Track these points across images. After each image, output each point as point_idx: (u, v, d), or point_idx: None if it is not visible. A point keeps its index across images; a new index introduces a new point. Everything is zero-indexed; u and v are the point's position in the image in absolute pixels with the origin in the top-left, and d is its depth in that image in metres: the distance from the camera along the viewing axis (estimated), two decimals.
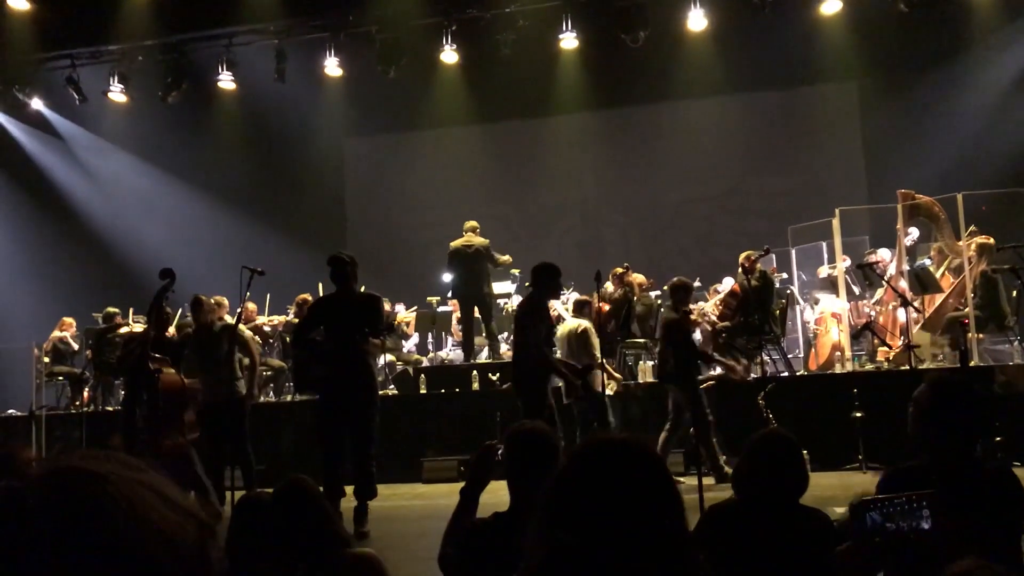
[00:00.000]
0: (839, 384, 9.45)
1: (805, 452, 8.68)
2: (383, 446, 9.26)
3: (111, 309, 11.59)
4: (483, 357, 11.64)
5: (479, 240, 11.15)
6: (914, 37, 13.07)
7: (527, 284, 12.59)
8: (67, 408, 11.67)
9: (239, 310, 7.32)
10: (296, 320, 11.64)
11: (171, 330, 9.32)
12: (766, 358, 9.76)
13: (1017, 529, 2.68)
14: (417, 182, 16.46)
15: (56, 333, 12.36)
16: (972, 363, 8.77)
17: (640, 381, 10.25)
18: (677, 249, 15.16)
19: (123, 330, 10.92)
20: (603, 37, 12.97)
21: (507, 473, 2.96)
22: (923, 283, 10.13)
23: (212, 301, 8.56)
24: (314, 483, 3.14)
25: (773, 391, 8.81)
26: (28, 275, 14.87)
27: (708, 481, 6.05)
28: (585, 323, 8.76)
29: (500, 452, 3.01)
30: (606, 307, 10.60)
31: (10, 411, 11.98)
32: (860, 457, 8.57)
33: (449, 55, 13.19)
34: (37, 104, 14.92)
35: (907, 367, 9.05)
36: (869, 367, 10.16)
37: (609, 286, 10.97)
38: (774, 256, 11.26)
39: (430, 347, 13.57)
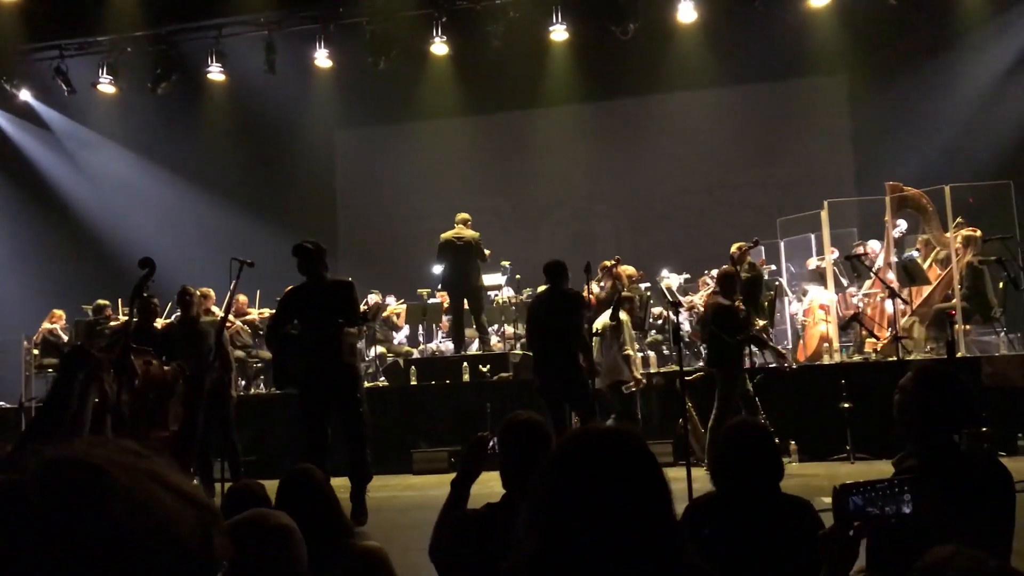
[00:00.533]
0: (827, 375, 9.51)
1: (792, 443, 8.78)
2: (374, 438, 9.30)
3: (101, 301, 11.55)
4: (473, 349, 11.66)
5: (470, 232, 11.16)
6: (902, 30, 13.12)
7: (517, 276, 12.68)
8: None
9: (227, 302, 7.31)
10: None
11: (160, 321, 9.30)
12: (754, 349, 9.79)
13: (1007, 517, 2.72)
14: (407, 174, 16.44)
15: (46, 325, 12.33)
16: (959, 354, 8.84)
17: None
18: (667, 241, 15.19)
19: (112, 322, 10.90)
20: (593, 29, 12.98)
21: (501, 464, 2.99)
22: (911, 275, 10.19)
23: (198, 293, 8.55)
24: (321, 473, 3.13)
25: (761, 382, 8.88)
26: (18, 267, 14.82)
27: (697, 472, 6.08)
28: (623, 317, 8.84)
29: (493, 444, 3.03)
30: (595, 300, 10.62)
31: (0, 403, 11.95)
32: (848, 447, 8.63)
33: (439, 47, 13.17)
34: (25, 95, 14.84)
35: (895, 358, 9.13)
36: (857, 358, 10.23)
37: (595, 287, 10.96)
38: (763, 248, 11.32)
39: (421, 339, 13.58)
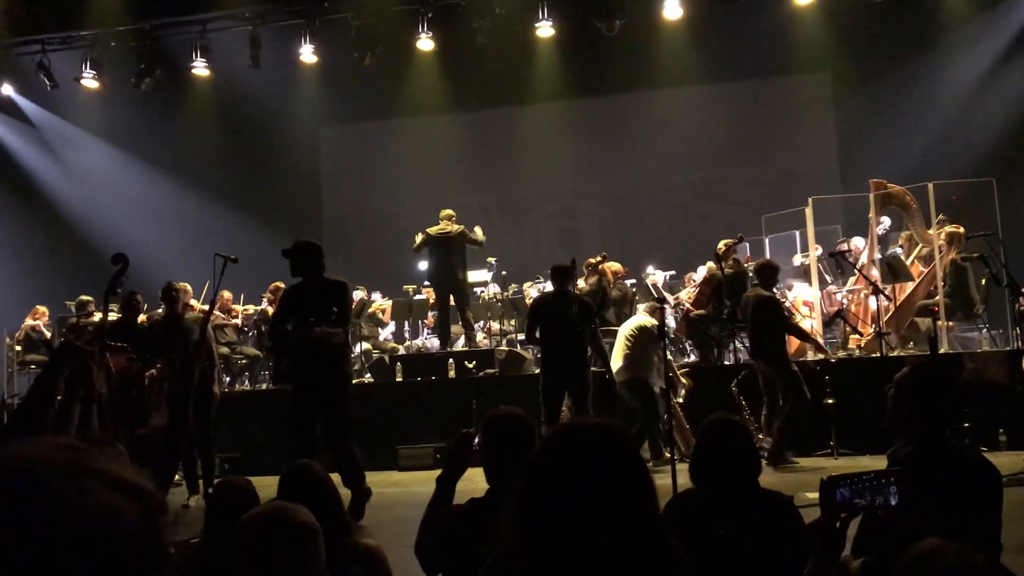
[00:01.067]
0: (811, 371, 9.55)
1: None
2: (359, 434, 9.28)
3: (84, 297, 11.48)
4: (459, 345, 11.66)
5: (455, 228, 11.15)
6: (887, 28, 13.18)
7: (503, 272, 12.68)
8: None
9: (211, 298, 7.29)
10: (271, 308, 11.62)
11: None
12: (739, 346, 9.84)
13: (994, 512, 2.76)
14: (393, 170, 16.42)
15: (29, 321, 12.25)
16: (941, 350, 8.90)
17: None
18: (653, 237, 15.22)
19: (93, 319, 10.85)
20: (579, 26, 12.98)
21: (484, 459, 2.99)
22: (894, 271, 10.26)
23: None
24: (323, 468, 3.12)
25: (745, 378, 8.91)
26: (0, 263, 14.71)
27: (682, 466, 6.09)
28: (654, 321, 8.81)
29: (477, 440, 3.03)
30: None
31: None
32: (832, 443, 8.68)
33: (425, 42, 13.14)
34: (7, 90, 14.70)
35: (878, 354, 9.19)
36: (841, 354, 10.27)
37: (581, 283, 10.98)
38: (748, 244, 11.35)
39: (406, 335, 13.57)
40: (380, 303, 13.27)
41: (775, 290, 11.96)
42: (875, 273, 10.18)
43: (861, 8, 12.53)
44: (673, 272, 12.77)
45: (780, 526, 2.76)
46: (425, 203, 14.29)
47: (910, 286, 10.31)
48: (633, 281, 12.01)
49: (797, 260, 11.77)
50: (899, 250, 10.80)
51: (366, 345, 12.36)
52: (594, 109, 16.15)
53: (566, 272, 7.84)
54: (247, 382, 11.82)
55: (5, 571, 0.79)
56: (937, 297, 9.83)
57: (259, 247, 13.31)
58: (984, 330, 10.16)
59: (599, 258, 10.82)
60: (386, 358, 11.44)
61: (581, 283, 10.84)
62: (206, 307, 8.86)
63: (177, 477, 7.96)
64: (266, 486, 3.30)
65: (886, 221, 10.94)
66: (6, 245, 15.03)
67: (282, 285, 11.80)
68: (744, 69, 14.54)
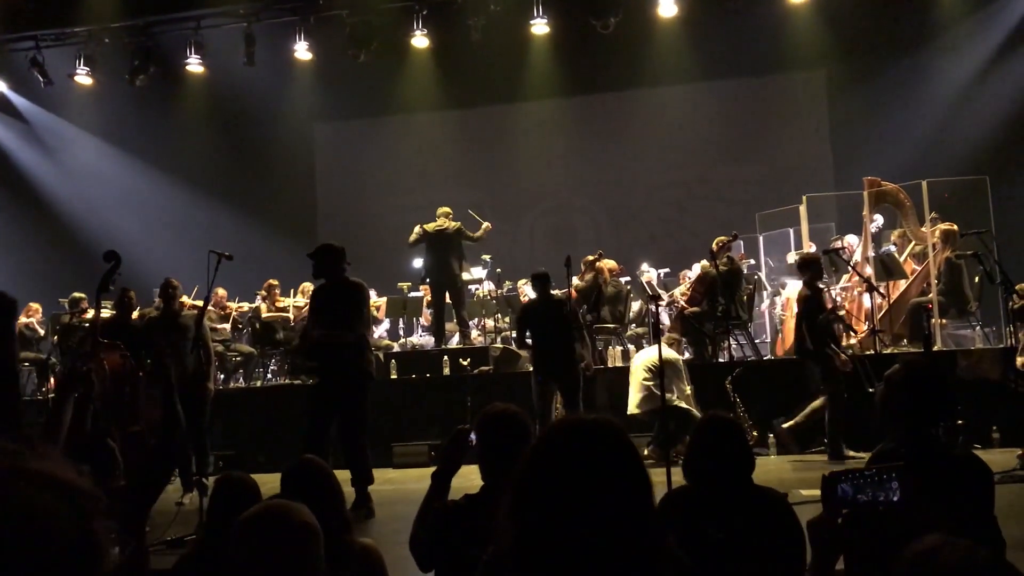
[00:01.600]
0: (805, 369, 9.57)
1: (771, 436, 8.83)
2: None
3: (77, 294, 11.45)
4: (454, 343, 11.65)
5: (452, 225, 11.14)
6: (881, 26, 13.22)
7: (498, 270, 12.68)
8: (33, 394, 11.54)
9: (207, 295, 7.28)
10: (264, 305, 11.63)
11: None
12: (733, 343, 9.86)
13: (988, 511, 2.76)
14: (387, 167, 16.39)
15: (22, 319, 12.19)
16: (935, 348, 8.92)
17: (609, 366, 10.34)
18: (647, 235, 15.24)
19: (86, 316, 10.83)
20: (574, 23, 12.98)
21: (479, 455, 2.99)
22: (888, 269, 10.28)
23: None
24: (326, 465, 3.12)
25: (740, 376, 8.92)
26: None
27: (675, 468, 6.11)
28: (677, 355, 8.85)
29: (472, 437, 3.03)
30: (576, 294, 10.65)
31: None
32: (826, 440, 8.69)
33: (420, 40, 13.13)
34: (1, 86, 14.66)
35: (872, 352, 9.20)
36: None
37: (575, 280, 10.98)
38: (742, 242, 11.37)
39: (401, 332, 13.56)
40: (374, 300, 13.24)
41: (771, 285, 12.07)
42: (869, 271, 10.20)
43: (855, 6, 12.56)
44: (667, 269, 12.78)
45: (774, 523, 2.77)
46: (419, 200, 14.30)
47: (904, 284, 10.33)
48: (628, 279, 12.02)
49: (791, 258, 11.78)
50: (893, 248, 10.83)
51: None
52: (589, 106, 16.15)
53: (546, 278, 8.36)
54: (241, 379, 11.80)
55: None
56: (931, 295, 9.85)
57: (253, 244, 13.35)
58: (978, 328, 10.19)
59: (596, 255, 10.85)
60: (380, 355, 11.42)
61: (576, 280, 10.86)
62: (200, 304, 8.85)
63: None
64: (261, 483, 3.29)
65: (879, 219, 10.96)
66: None
67: (275, 282, 11.83)
68: (738, 67, 14.55)
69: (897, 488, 1.84)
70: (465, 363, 10.45)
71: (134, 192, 15.46)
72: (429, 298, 12.15)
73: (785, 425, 8.79)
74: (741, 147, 15.47)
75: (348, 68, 13.78)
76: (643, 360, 8.82)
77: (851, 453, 8.13)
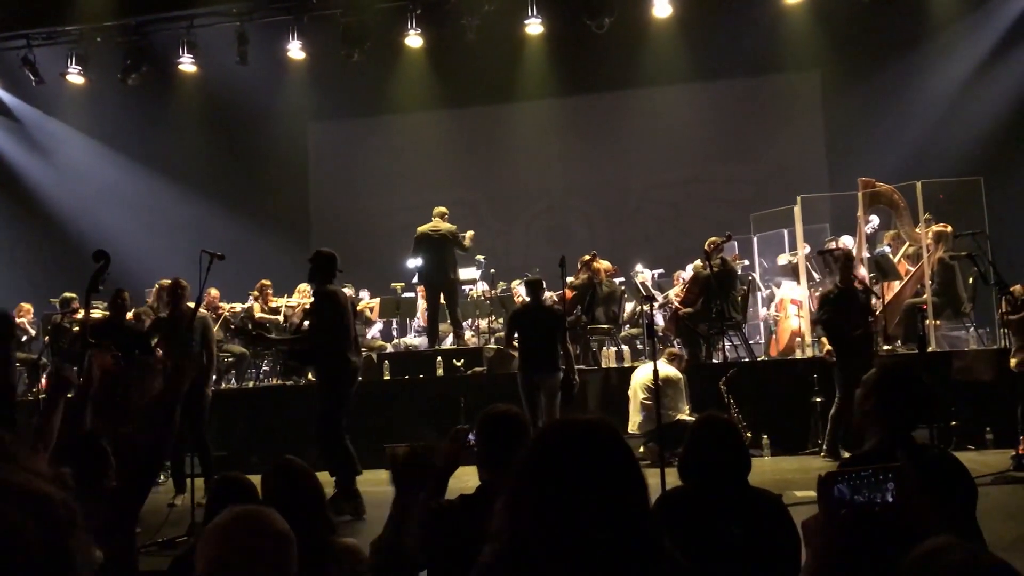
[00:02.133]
0: (799, 369, 9.57)
1: (765, 437, 8.81)
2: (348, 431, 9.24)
3: (68, 294, 11.40)
4: (447, 343, 11.62)
5: (446, 226, 11.11)
6: (875, 27, 13.23)
7: (492, 270, 12.66)
8: (24, 395, 11.48)
9: (200, 295, 7.25)
10: (257, 305, 11.59)
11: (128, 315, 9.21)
12: (727, 344, 9.85)
13: (969, 514, 2.75)
14: (381, 167, 16.36)
15: None
16: (929, 349, 8.92)
17: (604, 366, 10.32)
18: (642, 235, 15.23)
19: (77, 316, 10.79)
20: (568, 23, 12.97)
21: (478, 456, 2.98)
22: (883, 270, 10.29)
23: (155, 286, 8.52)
24: (306, 465, 3.11)
25: (734, 376, 8.91)
26: None
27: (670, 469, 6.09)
28: (679, 374, 8.87)
29: (472, 438, 3.02)
30: (570, 293, 10.64)
31: None
32: (819, 442, 8.69)
33: (414, 39, 13.10)
34: None
35: None
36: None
37: (571, 279, 10.99)
38: (736, 243, 11.36)
39: (394, 333, 13.53)
40: (368, 301, 13.21)
41: (765, 286, 12.06)
42: (863, 272, 10.20)
43: (850, 7, 12.56)
44: (661, 270, 12.77)
45: (770, 525, 2.75)
46: (413, 200, 14.26)
47: (898, 285, 10.33)
48: (621, 279, 12.01)
49: (783, 259, 11.78)
50: (887, 249, 10.82)
51: None
52: (583, 106, 16.14)
53: (539, 284, 8.59)
54: (233, 380, 11.76)
55: None
56: (925, 296, 9.86)
57: (246, 244, 13.30)
58: (971, 329, 10.20)
59: (590, 255, 10.85)
60: (373, 356, 11.40)
61: (571, 279, 10.87)
62: (191, 304, 8.81)
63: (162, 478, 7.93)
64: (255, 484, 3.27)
65: (874, 220, 10.96)
66: None
67: (268, 283, 11.80)
68: (733, 67, 14.55)
69: (892, 489, 1.82)
70: (459, 364, 10.43)
71: (126, 191, 15.40)
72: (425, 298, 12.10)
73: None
74: (735, 147, 15.47)
75: (341, 67, 13.75)
76: (642, 378, 8.82)
77: (847, 454, 8.12)
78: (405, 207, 14.72)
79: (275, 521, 2.05)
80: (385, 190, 16.32)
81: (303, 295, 11.38)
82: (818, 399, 8.91)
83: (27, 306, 12.35)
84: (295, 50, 13.33)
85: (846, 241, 11.08)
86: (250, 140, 15.91)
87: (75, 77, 13.81)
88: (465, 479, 3.07)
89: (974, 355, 9.31)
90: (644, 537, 1.46)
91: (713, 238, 9.73)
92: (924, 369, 7.19)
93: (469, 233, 11.27)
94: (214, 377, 11.37)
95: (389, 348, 12.49)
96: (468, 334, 12.14)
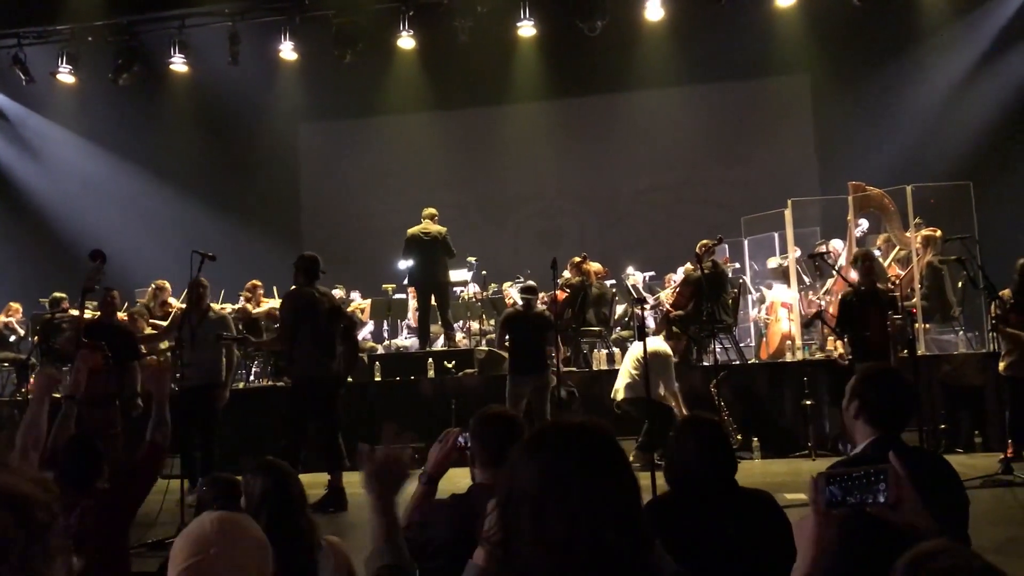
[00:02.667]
0: (789, 372, 9.60)
1: (755, 440, 8.85)
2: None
3: (57, 294, 11.35)
4: (438, 345, 11.62)
5: (436, 227, 11.11)
6: (866, 31, 13.27)
7: (483, 272, 12.66)
8: (12, 395, 11.44)
9: (189, 296, 7.24)
10: (249, 306, 11.55)
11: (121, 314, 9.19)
12: (718, 346, 9.86)
13: (961, 514, 2.77)
14: (373, 168, 16.34)
15: (1, 318, 12.10)
16: (919, 352, 8.95)
17: (595, 368, 10.33)
18: (633, 238, 15.24)
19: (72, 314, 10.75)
20: (561, 26, 12.97)
21: (472, 456, 2.99)
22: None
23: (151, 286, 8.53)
24: (289, 467, 3.13)
25: (725, 379, 8.93)
26: None
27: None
28: (668, 351, 8.90)
29: (464, 439, 3.03)
30: (562, 295, 10.64)
31: None
32: (809, 444, 8.72)
33: (406, 41, 13.09)
34: None
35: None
36: (819, 356, 10.31)
37: (566, 273, 11.02)
38: (727, 246, 11.39)
39: (385, 334, 13.51)
40: (359, 302, 13.19)
41: (755, 289, 12.08)
42: (853, 275, 10.22)
43: (841, 11, 12.60)
44: (653, 273, 12.79)
45: (764, 525, 2.75)
46: (405, 202, 14.25)
47: None
48: (613, 281, 12.03)
49: (774, 262, 11.81)
50: (877, 252, 10.86)
51: None
52: (575, 109, 16.16)
53: (533, 291, 9.00)
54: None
55: None
56: (914, 299, 9.89)
57: (237, 245, 13.27)
58: (960, 332, 10.24)
59: (580, 257, 10.87)
60: (364, 357, 11.38)
61: (566, 273, 10.89)
62: (183, 305, 8.82)
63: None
64: None
65: (864, 223, 11.00)
66: None
67: (259, 283, 11.76)
68: (725, 71, 14.58)
69: (884, 490, 1.83)
70: (450, 365, 10.43)
71: (117, 191, 15.34)
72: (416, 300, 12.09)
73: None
74: (727, 151, 15.51)
75: (334, 68, 13.73)
76: (636, 351, 8.84)
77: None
78: (396, 208, 14.71)
79: (251, 528, 2.05)
80: (376, 191, 16.30)
81: None
82: (808, 402, 8.93)
83: (16, 305, 12.30)
84: (287, 51, 13.30)
85: (836, 245, 11.12)
86: (241, 141, 15.87)
87: (66, 76, 13.74)
88: (456, 481, 3.07)
89: (963, 359, 9.35)
90: (637, 539, 1.46)
91: (704, 241, 9.75)
92: (912, 372, 7.23)
93: (470, 259, 11.50)
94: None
95: (380, 349, 12.47)
96: (459, 336, 12.13)
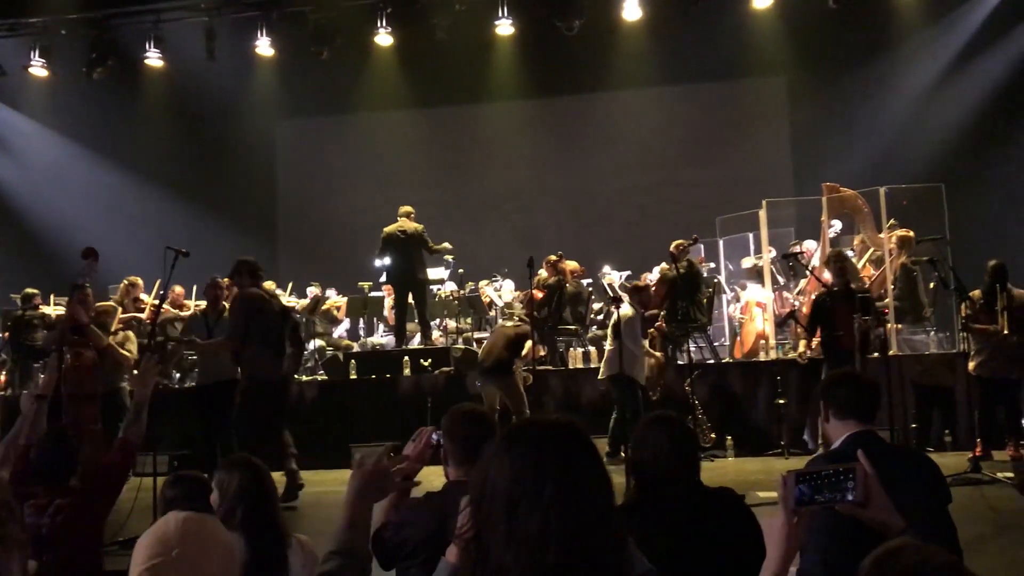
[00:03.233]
0: (763, 371, 9.67)
1: (729, 438, 8.90)
2: (312, 432, 9.22)
3: (29, 290, 11.23)
4: (415, 343, 11.60)
5: (413, 225, 11.09)
6: (841, 34, 13.39)
7: (460, 270, 12.66)
8: None
9: (164, 292, 7.20)
10: (225, 304, 11.46)
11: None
12: (692, 345, 9.92)
13: (942, 507, 2.81)
14: (350, 166, 16.30)
15: None
16: (891, 352, 9.05)
17: (571, 367, 10.36)
18: (609, 237, 15.28)
19: (44, 310, 10.64)
20: (539, 25, 12.99)
21: (444, 454, 2.99)
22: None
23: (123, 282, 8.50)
24: (262, 463, 3.12)
25: (699, 378, 8.99)
26: None
27: None
28: (629, 313, 8.86)
29: (437, 438, 3.03)
30: (539, 294, 10.67)
31: None
32: (782, 443, 8.79)
33: (384, 37, 13.05)
34: None
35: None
36: (792, 355, 10.40)
37: (543, 272, 11.05)
38: (702, 246, 11.46)
39: (361, 332, 13.48)
40: (335, 300, 13.15)
41: (730, 289, 12.16)
42: (827, 275, 10.31)
43: (816, 14, 12.69)
44: (629, 272, 12.83)
45: (730, 524, 2.77)
46: (382, 200, 14.22)
47: None
48: (589, 280, 12.06)
49: (748, 262, 11.89)
50: (851, 253, 10.97)
51: (320, 342, 12.25)
52: (553, 108, 16.18)
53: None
54: (197, 378, 11.62)
55: None
56: (887, 300, 9.99)
57: (212, 241, 13.16)
58: (932, 333, 10.35)
59: (557, 256, 10.89)
60: (340, 355, 11.35)
61: (543, 272, 10.92)
62: (156, 302, 8.76)
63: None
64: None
65: (837, 224, 11.10)
66: None
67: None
68: (701, 71, 14.66)
69: (853, 488, 1.86)
70: (426, 364, 10.41)
71: (90, 186, 15.18)
72: (393, 298, 12.06)
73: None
74: (703, 151, 15.58)
75: (311, 65, 13.68)
76: (609, 327, 8.91)
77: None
78: (373, 206, 14.67)
79: (217, 531, 2.04)
80: (353, 189, 16.26)
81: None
82: (781, 401, 9.00)
83: None
84: (264, 47, 13.23)
85: (809, 245, 11.21)
86: (217, 137, 15.77)
87: (38, 70, 13.59)
88: (431, 480, 3.07)
89: (934, 359, 9.45)
90: (610, 537, 1.47)
91: (679, 241, 9.81)
92: (885, 372, 7.30)
93: (444, 245, 11.34)
94: (177, 375, 11.32)
95: (356, 347, 12.44)
96: (436, 334, 12.12)
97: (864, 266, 10.64)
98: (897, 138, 13.15)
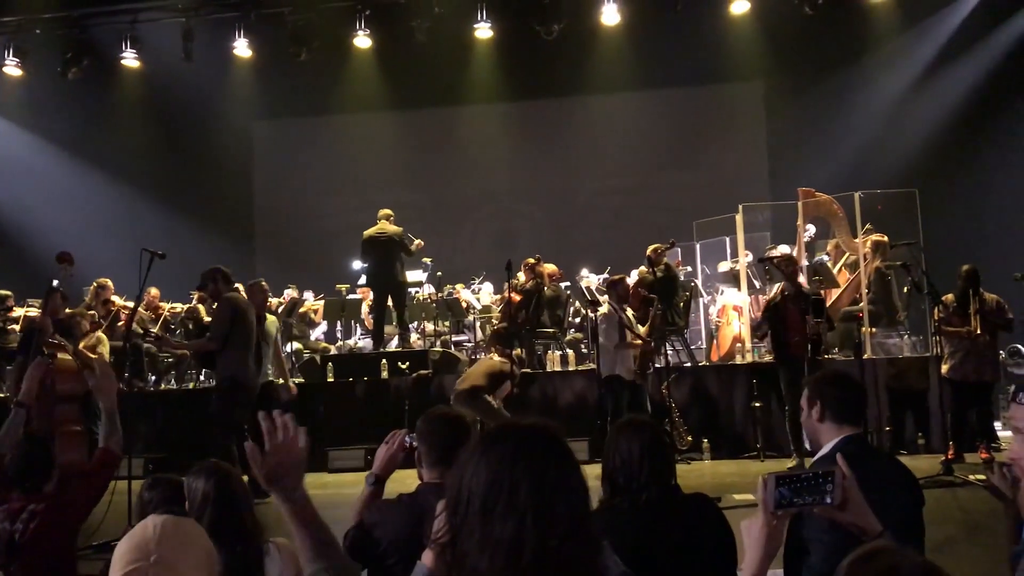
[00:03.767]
0: (739, 375, 9.72)
1: (705, 441, 8.93)
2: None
3: (3, 292, 11.12)
4: (393, 346, 11.58)
5: (392, 228, 11.07)
6: (817, 40, 13.49)
7: (439, 273, 12.65)
8: None
9: (139, 295, 7.14)
10: (202, 306, 11.41)
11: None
12: (669, 349, 9.96)
13: (916, 511, 2.85)
14: (328, 168, 16.24)
15: None
16: (865, 356, 9.13)
17: (549, 370, 10.37)
18: (587, 240, 15.32)
19: (17, 312, 10.53)
20: (517, 28, 13.02)
21: (419, 456, 3.00)
22: (820, 278, 10.49)
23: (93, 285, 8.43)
24: (232, 468, 3.12)
25: (676, 380, 9.02)
26: None
27: None
28: (604, 309, 8.78)
29: (410, 440, 3.04)
30: (517, 297, 10.68)
31: None
32: (758, 445, 8.84)
33: (362, 40, 13.04)
34: None
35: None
36: (768, 358, 10.46)
37: (521, 276, 11.06)
38: (679, 250, 11.51)
39: (338, 335, 13.43)
40: (312, 303, 13.10)
41: (707, 292, 12.22)
42: (802, 279, 10.39)
43: (793, 21, 12.79)
44: (606, 275, 12.85)
45: (704, 528, 2.78)
46: (359, 202, 14.18)
47: (835, 292, 10.55)
48: (567, 284, 12.08)
49: (724, 266, 11.96)
50: (826, 257, 11.06)
51: (297, 345, 12.20)
52: (531, 112, 16.21)
53: None
54: (173, 381, 11.56)
55: None
56: (862, 304, 10.08)
57: (188, 243, 13.09)
58: (905, 336, 10.45)
59: (534, 259, 10.90)
60: (317, 358, 11.31)
61: (521, 275, 10.92)
62: (131, 304, 8.69)
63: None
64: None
65: (811, 229, 11.19)
66: None
67: None
68: (679, 76, 14.74)
69: (831, 490, 1.88)
70: (404, 366, 10.38)
71: (65, 187, 15.02)
72: (370, 301, 12.02)
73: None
74: (680, 156, 15.66)
75: (289, 66, 13.63)
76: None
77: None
78: (351, 208, 14.64)
79: (197, 536, 2.03)
80: (331, 191, 16.22)
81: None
82: (758, 404, 9.06)
83: None
84: (241, 48, 13.18)
85: (784, 249, 11.27)
86: (194, 138, 15.67)
87: (12, 69, 13.47)
88: (406, 482, 3.08)
89: (907, 362, 9.55)
90: (585, 541, 1.48)
91: (657, 245, 9.85)
92: (860, 375, 7.37)
93: (417, 241, 11.27)
94: (152, 377, 11.23)
95: (333, 350, 12.39)
96: (414, 337, 12.10)
97: (840, 270, 10.73)
98: (872, 144, 13.27)
